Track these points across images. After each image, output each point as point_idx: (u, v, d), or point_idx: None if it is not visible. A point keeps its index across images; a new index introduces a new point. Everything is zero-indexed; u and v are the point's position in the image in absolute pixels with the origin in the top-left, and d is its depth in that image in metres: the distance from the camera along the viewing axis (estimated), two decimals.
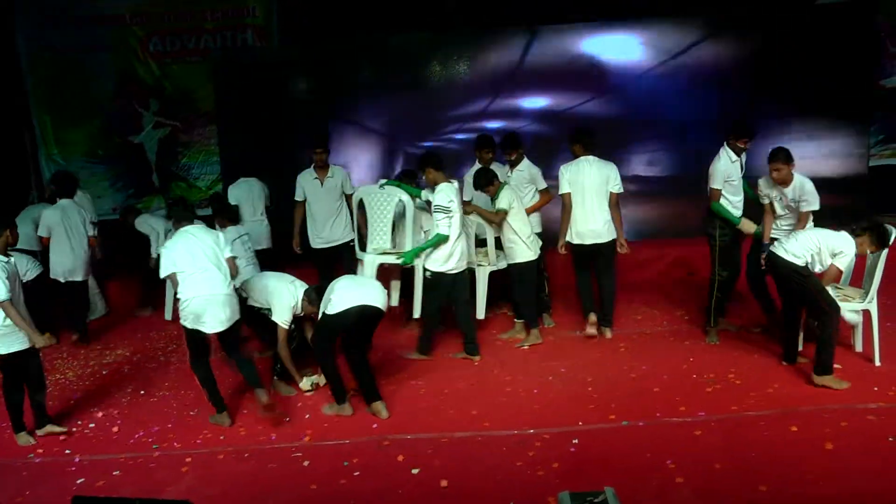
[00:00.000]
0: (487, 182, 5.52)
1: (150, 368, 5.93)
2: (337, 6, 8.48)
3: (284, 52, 8.70)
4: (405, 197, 5.52)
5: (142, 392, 5.39)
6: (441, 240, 5.19)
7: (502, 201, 5.44)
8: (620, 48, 8.16)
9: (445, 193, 5.16)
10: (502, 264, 5.80)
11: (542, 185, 6.04)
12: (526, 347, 5.60)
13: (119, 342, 6.64)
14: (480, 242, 5.95)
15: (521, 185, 5.95)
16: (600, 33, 8.17)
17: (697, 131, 8.33)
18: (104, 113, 9.07)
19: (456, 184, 5.44)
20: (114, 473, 4.11)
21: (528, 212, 5.76)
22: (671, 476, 3.57)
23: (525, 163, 6.03)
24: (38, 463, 4.33)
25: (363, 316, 4.54)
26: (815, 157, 8.09)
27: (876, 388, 4.38)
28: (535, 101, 8.30)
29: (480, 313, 5.87)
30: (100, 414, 5.01)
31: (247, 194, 6.88)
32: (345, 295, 4.55)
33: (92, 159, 9.11)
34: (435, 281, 5.33)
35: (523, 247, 5.49)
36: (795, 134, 8.08)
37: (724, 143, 5.37)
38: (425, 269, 5.38)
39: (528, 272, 5.58)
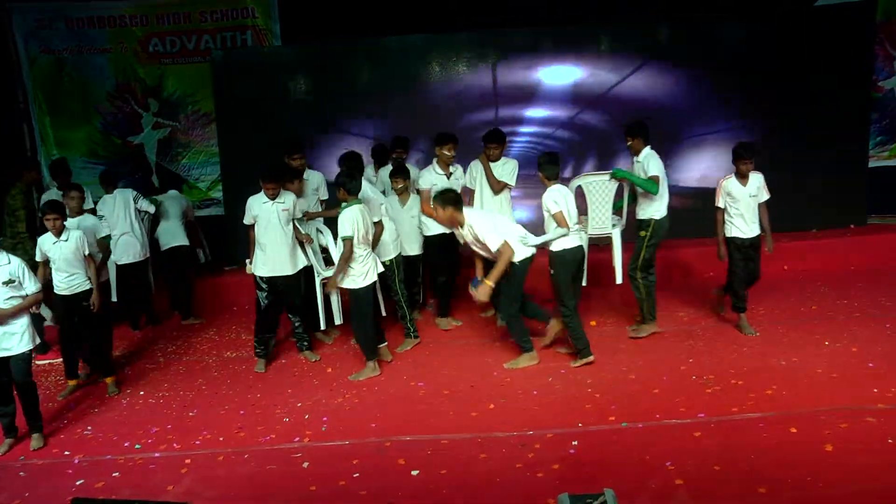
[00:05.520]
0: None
1: (149, 369, 5.94)
2: (337, 7, 8.47)
3: (285, 53, 8.69)
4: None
5: (141, 393, 5.40)
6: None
7: (346, 227, 5.17)
8: (619, 48, 8.16)
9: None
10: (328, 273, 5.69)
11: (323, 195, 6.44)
12: (362, 379, 5.28)
13: (118, 343, 6.63)
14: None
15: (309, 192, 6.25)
16: (597, 33, 8.17)
17: (694, 133, 8.37)
18: (104, 114, 9.07)
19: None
20: (113, 475, 4.11)
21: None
22: (670, 478, 3.57)
23: (308, 171, 6.24)
24: (36, 464, 4.34)
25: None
26: (814, 158, 8.12)
27: (876, 390, 4.37)
28: (540, 104, 8.29)
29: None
30: (99, 415, 5.03)
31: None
32: None
33: (92, 159, 9.09)
34: None
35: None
36: (794, 136, 8.11)
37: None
38: None
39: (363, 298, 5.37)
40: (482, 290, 5.10)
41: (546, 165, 5.25)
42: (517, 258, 5.17)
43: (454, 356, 5.57)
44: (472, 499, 3.59)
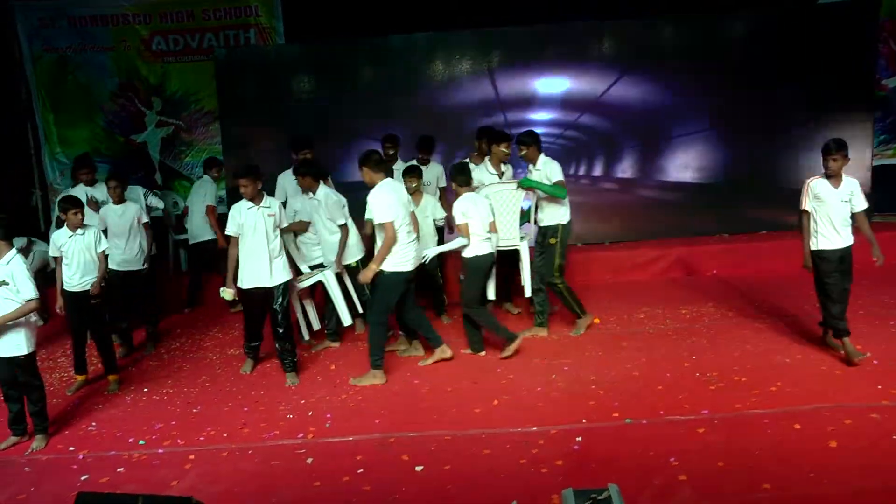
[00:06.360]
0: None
1: (153, 366, 5.95)
2: (340, 6, 8.48)
3: (287, 52, 8.70)
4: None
5: (145, 389, 5.41)
6: None
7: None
8: (620, 46, 8.17)
9: None
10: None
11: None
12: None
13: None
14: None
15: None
16: (600, 32, 8.18)
17: (697, 132, 8.38)
18: (107, 112, 9.08)
19: None
20: (117, 470, 4.12)
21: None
22: (674, 474, 3.57)
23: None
24: (41, 460, 4.35)
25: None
26: (817, 157, 8.08)
27: (879, 387, 4.38)
28: (539, 100, 8.31)
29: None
30: (103, 412, 5.04)
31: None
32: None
33: (95, 158, 9.06)
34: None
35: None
36: (797, 134, 8.11)
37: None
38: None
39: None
40: (364, 273, 5.13)
41: (456, 175, 5.39)
42: (388, 268, 5.02)
43: (457, 353, 5.56)
44: (476, 494, 3.58)
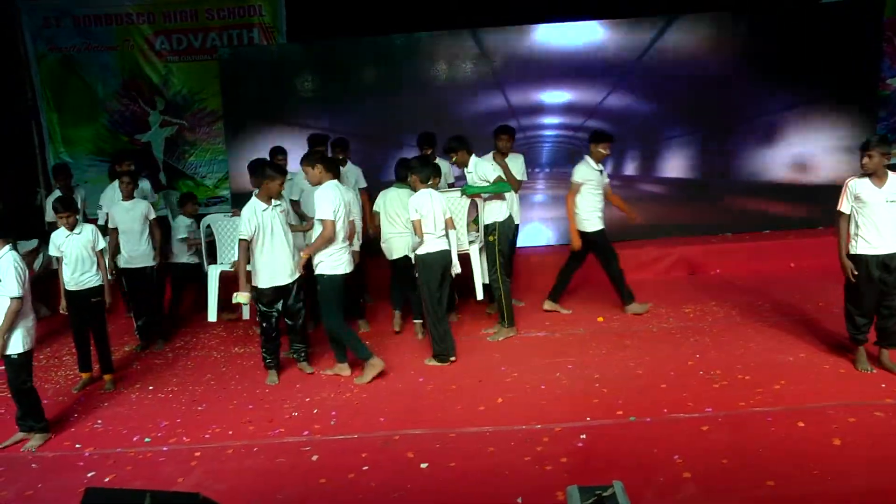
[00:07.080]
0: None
1: (157, 364, 5.97)
2: (343, 6, 8.50)
3: (291, 51, 8.72)
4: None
5: (150, 387, 5.42)
6: None
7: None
8: (624, 45, 8.17)
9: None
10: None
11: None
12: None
13: (127, 339, 6.67)
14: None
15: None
16: (603, 30, 8.19)
17: (698, 132, 8.39)
18: (111, 111, 9.11)
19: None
20: (124, 468, 4.13)
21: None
22: (679, 471, 3.57)
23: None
24: (48, 457, 4.37)
25: None
26: (820, 156, 8.13)
27: (883, 385, 4.39)
28: (545, 99, 8.33)
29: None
30: (108, 409, 5.06)
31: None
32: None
33: (99, 157, 9.13)
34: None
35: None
36: (800, 133, 8.11)
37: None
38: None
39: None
40: (300, 259, 5.19)
41: (418, 169, 5.32)
42: (324, 271, 5.08)
43: (460, 352, 5.57)
44: (481, 492, 3.59)
